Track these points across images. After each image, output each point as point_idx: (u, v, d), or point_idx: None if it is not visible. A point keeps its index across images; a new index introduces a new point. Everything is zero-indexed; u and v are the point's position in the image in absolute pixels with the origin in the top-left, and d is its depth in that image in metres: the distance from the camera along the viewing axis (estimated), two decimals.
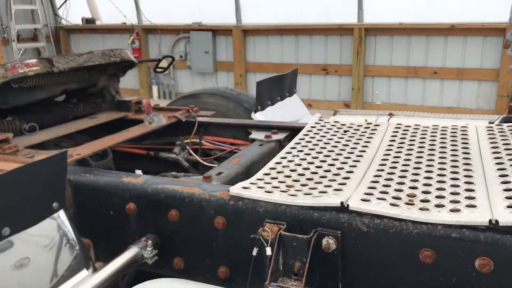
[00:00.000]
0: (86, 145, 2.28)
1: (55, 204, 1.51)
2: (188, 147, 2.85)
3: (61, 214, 1.54)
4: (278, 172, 1.84)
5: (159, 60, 3.53)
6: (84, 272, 1.54)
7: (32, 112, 2.60)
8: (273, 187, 1.67)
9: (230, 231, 1.65)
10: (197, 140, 2.90)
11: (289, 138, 2.65)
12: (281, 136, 2.61)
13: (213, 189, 1.71)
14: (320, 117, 3.99)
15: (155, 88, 11.67)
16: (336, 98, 9.89)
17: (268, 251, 1.45)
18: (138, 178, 1.85)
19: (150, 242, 1.71)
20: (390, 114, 3.39)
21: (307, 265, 1.42)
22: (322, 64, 9.84)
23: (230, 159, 2.25)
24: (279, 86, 3.51)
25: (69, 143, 2.61)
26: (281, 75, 3.56)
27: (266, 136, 2.58)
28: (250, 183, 1.71)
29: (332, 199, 1.51)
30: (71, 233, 1.55)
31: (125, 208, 1.81)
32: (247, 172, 2.20)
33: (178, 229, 1.74)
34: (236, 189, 1.64)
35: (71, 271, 1.51)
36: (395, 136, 2.26)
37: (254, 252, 1.50)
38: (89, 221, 1.90)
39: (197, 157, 2.81)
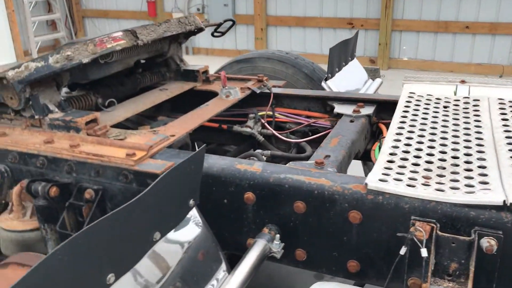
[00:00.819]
0: (176, 124, 2.15)
1: (191, 201, 1.41)
2: (263, 120, 2.72)
3: (194, 209, 1.44)
4: (403, 159, 1.73)
5: (219, 24, 3.32)
6: (221, 269, 1.46)
7: (105, 85, 2.45)
8: (409, 178, 1.57)
9: (366, 226, 1.56)
10: (270, 113, 2.76)
11: (376, 112, 2.53)
12: (369, 110, 2.47)
13: (344, 180, 1.61)
14: (381, 82, 3.85)
15: None
16: (362, 53, 9.60)
17: (424, 252, 1.37)
18: (254, 166, 1.74)
19: (276, 234, 1.63)
20: (463, 82, 3.23)
21: (472, 268, 1.34)
22: (347, 18, 9.48)
23: (328, 139, 2.13)
24: (344, 50, 3.33)
25: (148, 119, 2.48)
26: (347, 39, 3.36)
27: (354, 111, 2.45)
28: (383, 174, 1.61)
29: (490, 196, 1.41)
30: (205, 229, 1.47)
31: (243, 197, 1.71)
32: (350, 154, 2.09)
33: (303, 220, 1.65)
34: (375, 183, 1.53)
35: (210, 269, 1.43)
36: (504, 113, 2.13)
37: (402, 251, 1.42)
38: (200, 210, 1.81)
39: (273, 131, 2.69)
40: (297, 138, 2.67)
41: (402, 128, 2.02)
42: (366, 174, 1.90)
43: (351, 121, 2.36)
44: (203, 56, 11.11)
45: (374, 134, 2.56)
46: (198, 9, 10.83)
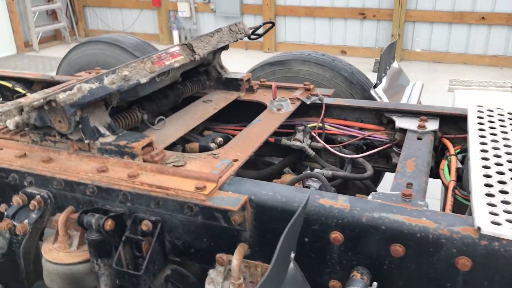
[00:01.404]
0: (235, 145, 1.97)
1: (292, 254, 1.24)
2: (314, 133, 2.54)
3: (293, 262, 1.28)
4: (502, 192, 1.57)
5: (257, 27, 3.12)
6: None
7: (149, 99, 2.26)
8: None
9: (476, 275, 1.40)
10: (320, 124, 2.59)
11: (439, 126, 2.35)
12: (434, 125, 2.29)
13: (449, 221, 1.44)
14: (423, 85, 3.66)
15: (175, 33, 11.05)
16: (373, 45, 9.40)
17: None
18: (339, 201, 1.57)
19: (374, 282, 1.46)
20: None
21: None
22: (359, 8, 9.25)
23: (403, 162, 1.96)
24: (389, 54, 3.15)
25: (192, 133, 2.29)
26: (393, 43, 3.18)
27: (419, 126, 2.27)
28: (491, 213, 1.44)
29: None
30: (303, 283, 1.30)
31: (328, 237, 1.54)
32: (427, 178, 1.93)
33: (400, 265, 1.49)
34: (488, 227, 1.37)
35: None
36: None
37: None
38: (272, 248, 1.65)
39: (326, 145, 2.51)
40: (351, 153, 2.50)
41: (486, 151, 1.85)
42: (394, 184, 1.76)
43: (419, 138, 2.19)
44: None
45: (437, 149, 2.39)
46: None
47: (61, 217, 1.95)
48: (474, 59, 8.74)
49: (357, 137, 2.53)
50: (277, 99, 2.42)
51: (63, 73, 4.41)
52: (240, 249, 1.68)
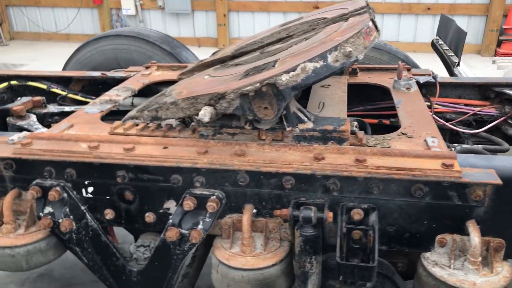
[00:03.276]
0: (413, 124, 1.90)
1: None
2: (430, 112, 2.54)
3: None
4: None
5: None
6: None
7: None
8: None
9: None
10: (434, 103, 2.59)
11: None
12: None
13: None
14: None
15: None
16: None
17: None
18: None
19: None
20: None
21: None
22: (313, 2, 9.44)
23: None
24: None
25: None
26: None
27: None
28: None
29: None
30: None
31: None
32: None
33: None
34: None
35: None
36: None
37: None
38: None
39: (446, 123, 2.52)
40: (469, 129, 2.54)
41: None
42: None
43: None
44: None
45: None
46: None
47: (246, 218, 1.74)
48: (422, 46, 9.35)
49: (467, 113, 2.58)
50: (403, 79, 2.38)
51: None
52: (475, 227, 1.63)
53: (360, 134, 1.73)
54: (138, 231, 2.24)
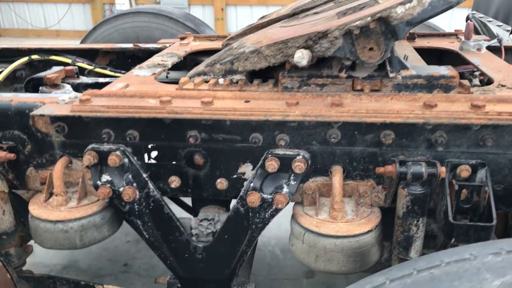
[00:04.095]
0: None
1: None
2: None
3: None
4: None
5: None
6: None
7: None
8: None
9: None
10: None
11: None
12: None
13: None
14: None
15: None
16: None
17: None
18: None
19: None
20: None
21: None
22: None
23: None
24: None
25: None
26: None
27: None
28: None
29: None
30: None
31: None
32: None
33: None
34: None
35: None
36: None
37: None
38: None
39: None
40: None
41: None
42: None
43: None
44: None
45: None
46: None
47: (337, 180, 1.56)
48: None
49: None
50: (473, 40, 2.23)
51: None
52: None
53: (466, 82, 1.57)
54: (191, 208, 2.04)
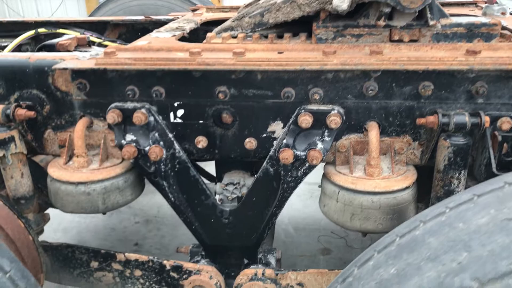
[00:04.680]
0: None
1: None
2: None
3: None
4: None
5: None
6: None
7: None
8: None
9: None
10: None
11: None
12: None
13: None
14: None
15: None
16: None
17: None
18: None
19: None
20: None
21: None
22: None
23: None
24: None
25: None
26: None
27: None
28: None
29: None
30: None
31: None
32: None
33: None
34: None
35: None
36: None
37: None
38: None
39: None
40: None
41: None
42: None
43: None
44: None
45: None
46: None
47: (374, 135, 1.50)
48: None
49: None
50: (495, 4, 2.19)
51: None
52: None
53: (507, 32, 1.52)
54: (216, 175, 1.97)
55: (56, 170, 1.66)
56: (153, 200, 3.47)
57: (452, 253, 0.71)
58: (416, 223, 0.84)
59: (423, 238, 0.77)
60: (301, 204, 3.28)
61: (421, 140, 1.57)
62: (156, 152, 1.58)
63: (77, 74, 1.59)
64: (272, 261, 1.84)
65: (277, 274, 1.74)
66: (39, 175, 1.85)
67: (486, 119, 1.40)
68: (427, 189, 1.61)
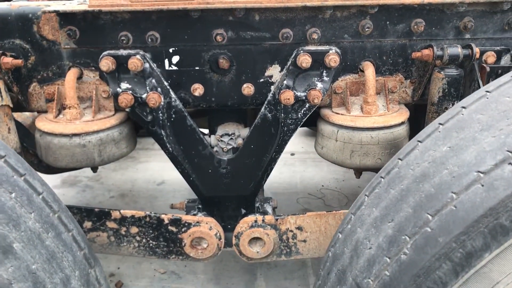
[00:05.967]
0: None
1: None
2: None
3: None
4: None
5: None
6: None
7: None
8: None
9: None
10: None
11: None
12: None
13: None
14: None
15: None
16: None
17: None
18: None
19: None
20: None
21: None
22: None
23: None
24: None
25: None
26: None
27: None
28: None
29: None
30: None
31: None
32: None
33: None
34: None
35: None
36: None
37: None
38: None
39: None
40: None
41: None
42: None
43: None
44: None
45: None
46: None
47: (370, 73, 1.55)
48: None
49: None
50: None
51: None
52: None
53: None
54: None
55: (46, 124, 1.58)
56: (125, 176, 3.39)
57: (506, 119, 0.75)
58: (457, 109, 0.88)
59: (471, 117, 0.82)
60: (277, 171, 3.32)
61: (412, 78, 1.64)
62: (155, 98, 1.55)
63: (66, 20, 1.52)
64: (269, 209, 1.85)
65: (276, 220, 1.76)
66: (22, 134, 1.76)
67: (477, 51, 1.48)
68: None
